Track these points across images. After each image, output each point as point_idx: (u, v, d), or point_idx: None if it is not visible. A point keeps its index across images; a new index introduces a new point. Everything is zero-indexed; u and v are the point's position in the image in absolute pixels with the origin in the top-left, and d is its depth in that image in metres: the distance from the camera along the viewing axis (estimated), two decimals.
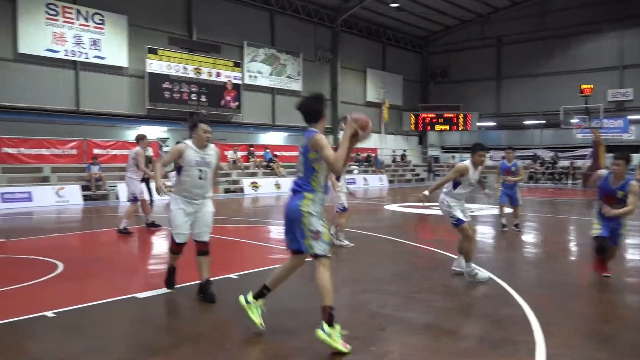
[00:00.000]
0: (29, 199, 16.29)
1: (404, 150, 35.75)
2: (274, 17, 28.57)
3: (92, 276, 6.78)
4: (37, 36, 19.68)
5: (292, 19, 29.32)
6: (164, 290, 5.80)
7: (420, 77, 39.51)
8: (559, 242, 10.09)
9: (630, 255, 8.45)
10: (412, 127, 36.42)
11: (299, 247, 4.24)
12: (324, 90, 31.58)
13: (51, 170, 18.25)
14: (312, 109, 4.53)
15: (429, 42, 38.86)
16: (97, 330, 4.68)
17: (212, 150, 5.67)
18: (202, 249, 5.58)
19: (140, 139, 10.71)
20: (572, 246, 10.07)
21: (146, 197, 11.19)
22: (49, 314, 4.96)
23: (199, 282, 5.57)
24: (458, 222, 6.40)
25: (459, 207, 6.48)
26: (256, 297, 4.53)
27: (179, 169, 5.55)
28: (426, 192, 6.34)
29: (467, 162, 6.57)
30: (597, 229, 6.39)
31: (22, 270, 6.93)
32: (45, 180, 17.72)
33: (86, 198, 17.61)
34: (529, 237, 10.53)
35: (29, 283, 6.17)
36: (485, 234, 10.70)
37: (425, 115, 35.94)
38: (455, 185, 6.55)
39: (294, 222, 4.19)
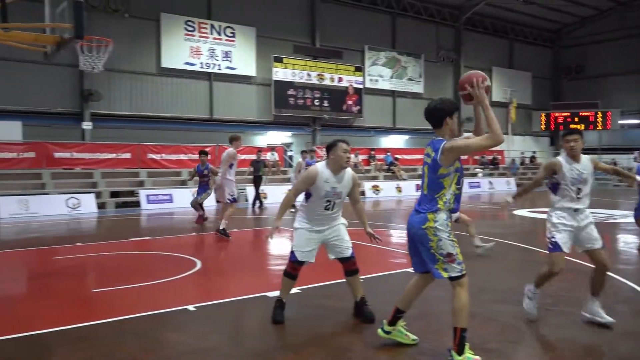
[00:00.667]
0: (170, 201, 17.79)
1: (534, 152, 33.67)
2: (395, 19, 28.46)
3: (227, 274, 7.23)
4: (177, 51, 21.51)
5: (413, 20, 28.99)
6: (293, 290, 6.01)
7: (551, 73, 36.97)
8: None
9: None
10: (543, 127, 34.22)
11: (427, 270, 3.97)
12: (447, 91, 30.83)
13: (188, 174, 19.76)
14: (433, 112, 4.11)
15: (562, 35, 36.22)
16: (233, 325, 4.97)
17: (347, 176, 4.88)
18: (347, 268, 5.04)
19: (234, 139, 10.32)
20: None
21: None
22: (191, 307, 5.37)
23: (327, 282, 5.68)
24: (552, 248, 4.77)
25: (564, 227, 4.73)
26: (392, 323, 4.25)
27: (307, 195, 4.90)
28: (508, 199, 5.25)
29: (560, 157, 4.86)
30: None
31: (166, 267, 7.58)
32: (183, 183, 19.23)
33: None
34: None
35: (172, 278, 6.73)
36: (630, 243, 9.72)
37: (557, 114, 33.58)
38: (554, 189, 4.86)
39: (420, 245, 3.86)
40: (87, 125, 19.70)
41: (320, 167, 4.79)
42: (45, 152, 17.45)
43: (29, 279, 7.43)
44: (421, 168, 4.22)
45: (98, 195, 16.78)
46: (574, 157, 4.76)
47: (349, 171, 4.89)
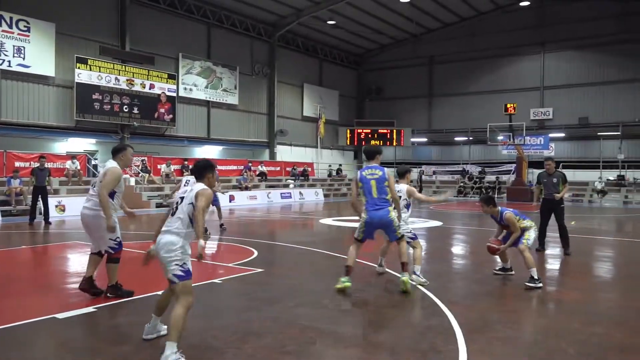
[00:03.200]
0: None
1: (340, 165, 36.22)
2: (210, 29, 28.37)
3: (6, 297, 6.40)
4: None
5: (229, 32, 29.23)
6: (89, 309, 5.57)
7: (356, 93, 40.34)
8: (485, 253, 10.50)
9: (550, 265, 8.94)
10: (348, 142, 37.00)
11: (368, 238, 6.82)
12: (262, 104, 31.69)
13: None
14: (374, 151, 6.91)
15: (365, 59, 39.82)
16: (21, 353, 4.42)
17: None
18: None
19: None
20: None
21: None
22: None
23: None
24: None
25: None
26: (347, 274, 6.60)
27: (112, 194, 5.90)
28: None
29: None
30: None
31: None
32: None
33: (5, 214, 16.59)
34: (457, 249, 10.91)
35: None
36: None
37: (360, 130, 36.64)
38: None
39: (386, 227, 6.61)
40: None
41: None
42: None
43: None
44: (358, 181, 6.69)
45: None
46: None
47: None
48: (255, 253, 9.48)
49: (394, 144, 36.49)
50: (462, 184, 32.95)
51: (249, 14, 29.58)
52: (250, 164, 27.83)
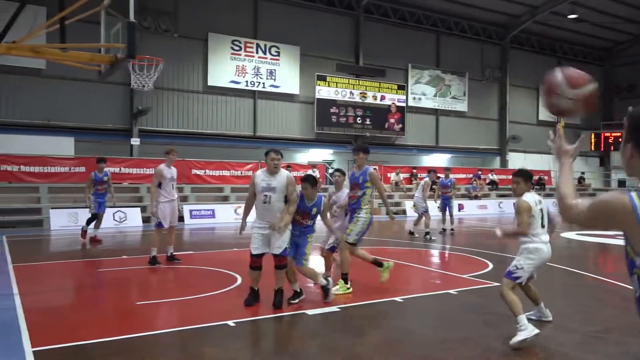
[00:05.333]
0: (212, 216, 18.06)
1: (582, 173, 32.59)
2: (439, 38, 28.32)
3: (265, 290, 7.23)
4: (223, 70, 22.03)
5: (458, 38, 28.78)
6: (330, 308, 5.97)
7: (602, 92, 35.85)
8: None
9: None
10: (592, 147, 33.11)
11: None
12: (492, 110, 30.39)
13: (231, 190, 20.05)
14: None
15: (614, 53, 35.18)
16: (271, 341, 4.97)
17: (280, 176, 6.14)
18: (276, 263, 6.13)
19: (167, 152, 9.38)
20: None
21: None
22: (230, 323, 5.40)
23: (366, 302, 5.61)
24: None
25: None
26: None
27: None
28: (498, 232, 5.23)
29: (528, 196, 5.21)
30: None
31: (207, 281, 7.66)
32: (225, 199, 19.51)
33: None
34: None
35: (213, 293, 6.79)
36: None
37: (608, 134, 32.47)
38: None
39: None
40: (135, 141, 20.33)
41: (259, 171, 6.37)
42: (95, 167, 18.04)
43: (75, 290, 7.65)
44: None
45: (144, 209, 17.22)
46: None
47: (283, 171, 6.27)
48: (490, 266, 9.05)
49: None
50: None
51: (479, 17, 28.68)
52: (479, 172, 26.89)
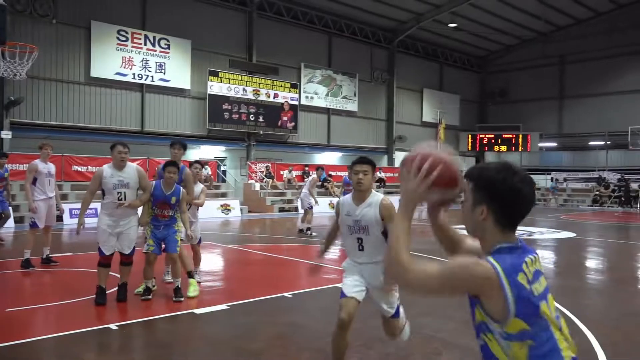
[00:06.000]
0: (95, 215, 17.01)
1: (461, 171, 35.02)
2: (331, 39, 28.99)
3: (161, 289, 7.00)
4: (108, 60, 20.83)
5: (349, 40, 29.65)
6: (220, 306, 5.92)
7: (478, 97, 38.84)
8: (626, 269, 9.57)
9: None
10: (469, 147, 35.73)
11: None
12: (380, 110, 31.68)
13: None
14: None
15: (488, 61, 38.24)
16: (158, 344, 4.82)
17: (130, 169, 6.07)
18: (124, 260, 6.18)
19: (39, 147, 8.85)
20: None
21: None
22: (113, 326, 5.16)
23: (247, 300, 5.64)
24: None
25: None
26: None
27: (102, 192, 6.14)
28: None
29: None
30: None
31: (87, 283, 7.23)
32: None
33: None
34: (592, 263, 10.04)
35: (93, 296, 6.43)
36: (546, 258, 10.31)
37: (483, 135, 35.21)
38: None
39: None
40: (6, 134, 18.59)
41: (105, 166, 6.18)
42: None
43: None
44: None
45: (16, 208, 15.84)
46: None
47: (132, 165, 6.13)
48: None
49: (520, 149, 34.59)
50: (597, 193, 30.31)
51: (369, 21, 29.79)
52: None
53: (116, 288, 6.21)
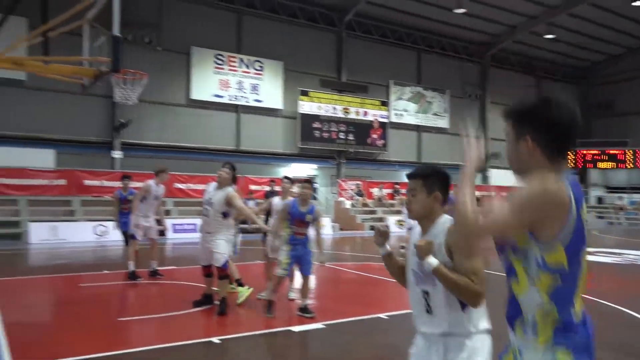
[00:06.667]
0: (195, 230, 17.87)
1: None
2: (420, 55, 28.72)
3: (253, 305, 7.16)
4: (206, 83, 22.02)
5: (439, 56, 29.21)
6: (316, 325, 5.95)
7: (580, 110, 36.55)
8: None
9: None
10: (571, 164, 33.67)
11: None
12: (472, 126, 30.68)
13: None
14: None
15: (590, 73, 36.01)
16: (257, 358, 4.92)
17: (222, 191, 6.40)
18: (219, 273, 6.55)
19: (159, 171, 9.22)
20: None
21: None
22: (215, 339, 5.34)
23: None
24: None
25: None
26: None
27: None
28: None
29: None
30: None
31: (191, 297, 7.56)
32: None
33: (243, 231, 18.80)
34: None
35: (197, 309, 6.71)
36: None
37: (585, 151, 33.13)
38: None
39: None
40: (117, 154, 20.13)
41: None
42: (75, 179, 17.85)
43: (55, 305, 7.50)
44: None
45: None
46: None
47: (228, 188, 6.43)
48: None
49: (629, 166, 32.09)
50: None
51: (459, 36, 29.19)
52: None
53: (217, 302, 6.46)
